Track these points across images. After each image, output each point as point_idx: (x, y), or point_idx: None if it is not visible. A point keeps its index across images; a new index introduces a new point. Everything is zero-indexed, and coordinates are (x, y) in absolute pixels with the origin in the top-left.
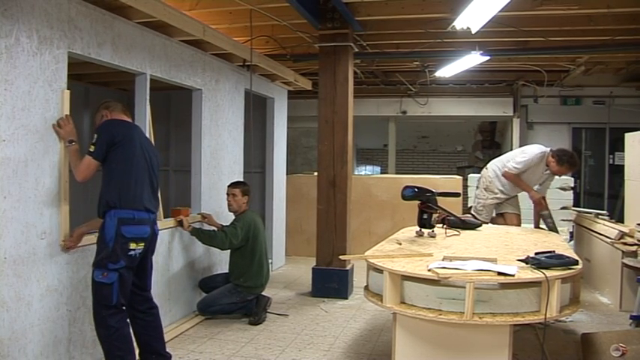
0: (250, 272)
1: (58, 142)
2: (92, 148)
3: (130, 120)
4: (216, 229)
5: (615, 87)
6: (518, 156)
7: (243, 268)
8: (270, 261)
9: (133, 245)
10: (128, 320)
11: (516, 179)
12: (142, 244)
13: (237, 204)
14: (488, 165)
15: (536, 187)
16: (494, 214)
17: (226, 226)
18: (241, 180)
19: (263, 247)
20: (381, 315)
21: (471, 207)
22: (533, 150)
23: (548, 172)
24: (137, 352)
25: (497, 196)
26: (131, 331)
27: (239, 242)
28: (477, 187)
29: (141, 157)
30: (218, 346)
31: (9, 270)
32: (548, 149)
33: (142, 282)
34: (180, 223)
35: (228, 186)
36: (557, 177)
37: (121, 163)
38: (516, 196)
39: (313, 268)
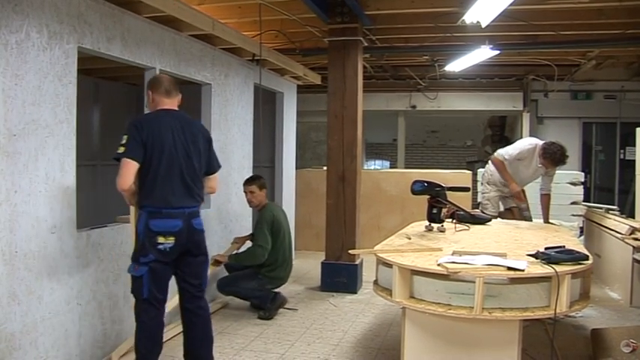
0: (275, 264)
1: (69, 137)
2: (122, 150)
3: (171, 101)
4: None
5: (626, 81)
6: (510, 147)
7: (269, 258)
8: None
9: (161, 239)
10: (164, 320)
11: (501, 167)
12: (172, 238)
13: (257, 200)
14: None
15: (540, 182)
16: (501, 209)
17: (253, 234)
18: (254, 174)
19: (287, 239)
20: (390, 309)
21: (480, 202)
22: (524, 143)
23: (541, 165)
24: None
25: (500, 188)
26: (164, 329)
27: (271, 242)
28: (481, 183)
29: (168, 154)
30: (227, 340)
31: (20, 264)
32: (542, 142)
33: (188, 278)
34: (217, 263)
35: (244, 184)
36: (566, 172)
37: (145, 165)
38: (523, 190)
39: (322, 263)
